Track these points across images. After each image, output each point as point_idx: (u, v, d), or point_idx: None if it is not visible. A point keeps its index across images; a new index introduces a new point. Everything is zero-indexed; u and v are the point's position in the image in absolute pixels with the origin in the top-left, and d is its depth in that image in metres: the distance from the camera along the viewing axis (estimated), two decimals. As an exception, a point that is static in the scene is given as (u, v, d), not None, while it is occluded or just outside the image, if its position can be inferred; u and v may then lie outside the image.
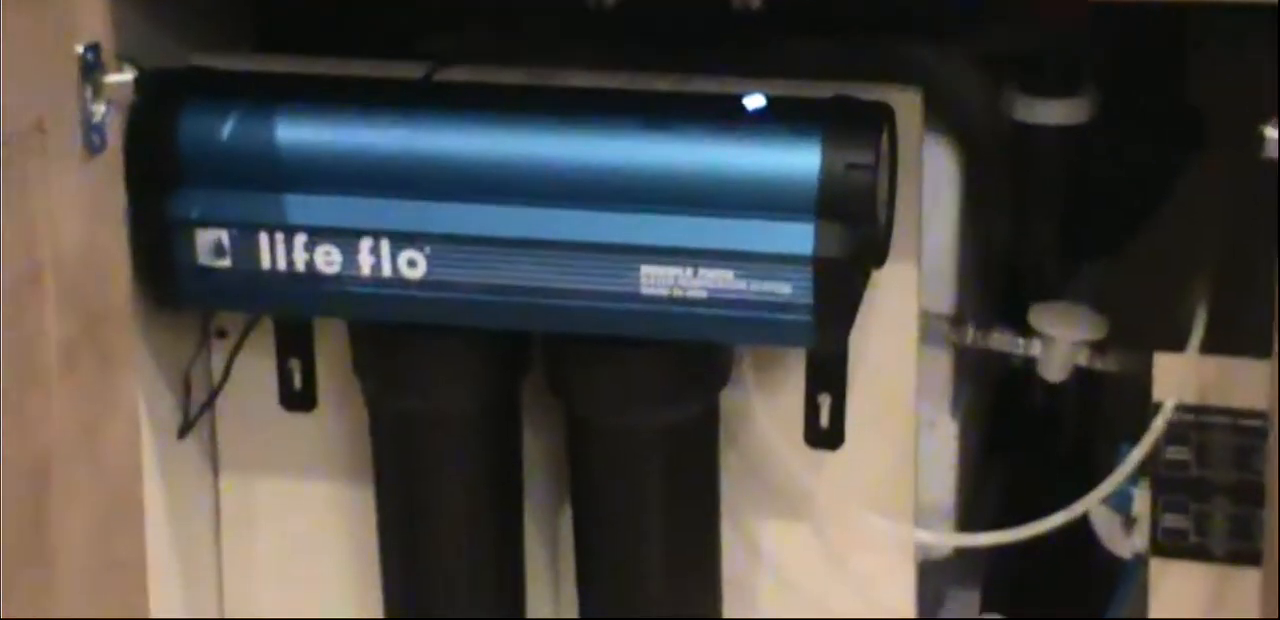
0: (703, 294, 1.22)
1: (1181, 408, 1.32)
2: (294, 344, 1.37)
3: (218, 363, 1.38)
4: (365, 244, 1.24)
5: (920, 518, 1.36)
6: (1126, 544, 1.36)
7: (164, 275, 1.27)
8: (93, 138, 1.16)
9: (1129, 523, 1.36)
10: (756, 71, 1.29)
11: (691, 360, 1.28)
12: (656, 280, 1.22)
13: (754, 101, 1.24)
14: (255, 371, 1.37)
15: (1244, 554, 1.31)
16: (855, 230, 1.21)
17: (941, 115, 1.34)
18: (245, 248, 1.26)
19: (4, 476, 1.11)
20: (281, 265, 1.26)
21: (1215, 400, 1.31)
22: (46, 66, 1.13)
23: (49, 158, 1.13)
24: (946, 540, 1.38)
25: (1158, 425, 1.32)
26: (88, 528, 1.18)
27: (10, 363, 1.12)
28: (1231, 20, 1.15)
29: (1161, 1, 1.19)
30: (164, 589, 1.34)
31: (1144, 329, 1.37)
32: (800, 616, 1.37)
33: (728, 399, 1.33)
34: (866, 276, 1.28)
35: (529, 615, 1.38)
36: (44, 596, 1.15)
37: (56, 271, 1.14)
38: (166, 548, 1.36)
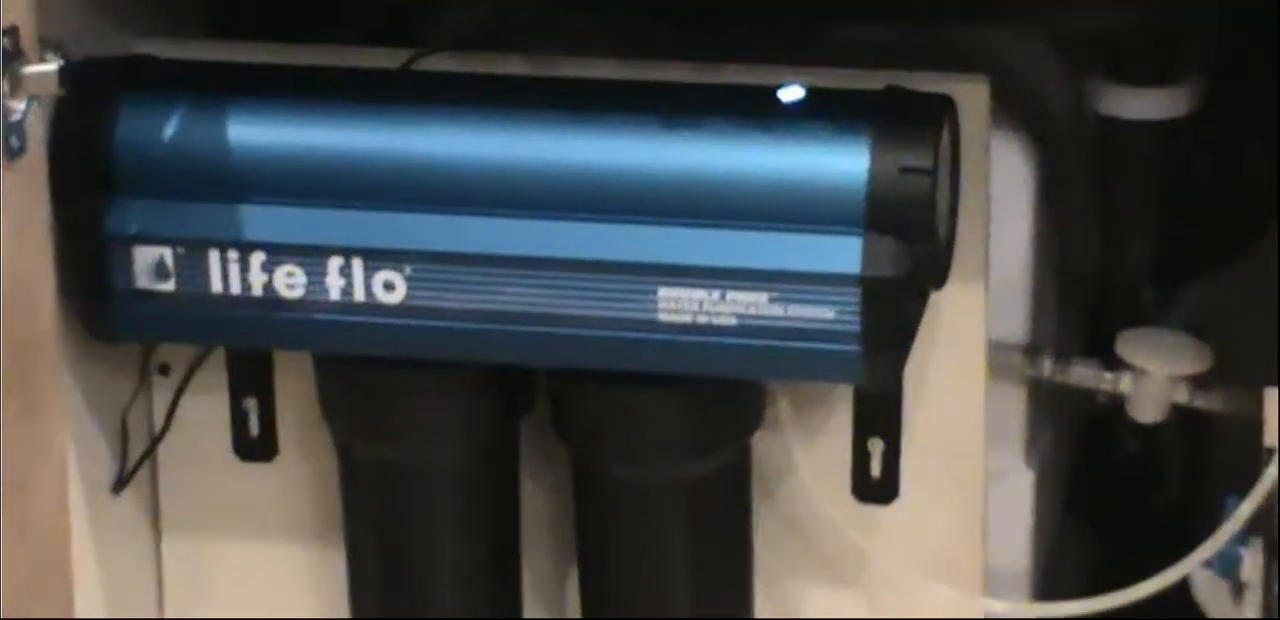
0: (731, 321, 1.23)
1: (1299, 454, 1.34)
2: (250, 382, 1.37)
3: (160, 404, 1.38)
4: (334, 263, 1.25)
5: (990, 584, 1.37)
6: (1235, 612, 1.37)
7: (96, 301, 1.27)
8: (10, 139, 1.14)
9: (1238, 589, 1.37)
10: (794, 58, 1.29)
11: (718, 400, 1.29)
12: (677, 305, 1.23)
13: (791, 94, 1.25)
14: (204, 414, 1.38)
15: (1375, 626, 1.33)
16: (910, 245, 1.21)
17: (1013, 109, 1.35)
18: (192, 268, 1.26)
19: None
20: (235, 288, 1.26)
21: (1338, 445, 1.33)
22: (-44, 55, 1.14)
23: (-42, 163, 1.14)
24: (1021, 611, 1.39)
25: (1270, 474, 1.32)
26: (13, 591, 1.17)
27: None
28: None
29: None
30: (97, 669, 1.35)
31: (1253, 361, 1.37)
32: (848, 701, 1.38)
33: (762, 445, 1.33)
34: (924, 299, 1.28)
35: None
36: (-35, 667, 1.16)
37: (-32, 297, 1.15)
38: (101, 616, 1.36)
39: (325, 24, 1.39)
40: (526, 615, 1.38)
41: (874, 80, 1.26)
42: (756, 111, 1.23)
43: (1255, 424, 1.33)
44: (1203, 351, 1.39)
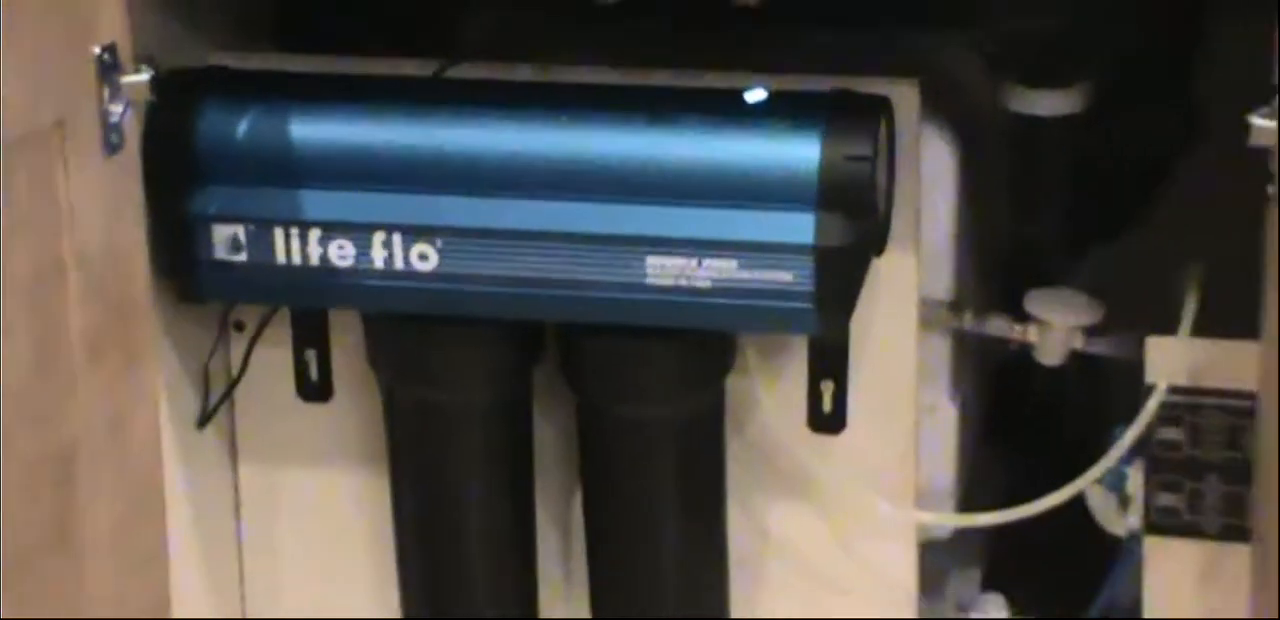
0: (707, 283, 1.23)
1: (1174, 389, 1.33)
2: (310, 335, 1.37)
3: (236, 354, 1.38)
4: (378, 237, 1.25)
5: (922, 500, 1.37)
6: (1122, 522, 1.36)
7: (183, 270, 1.28)
8: (111, 137, 1.15)
9: (1124, 502, 1.36)
10: (757, 65, 1.29)
11: (697, 348, 1.29)
12: (662, 270, 1.23)
13: (755, 95, 1.25)
14: (272, 363, 1.37)
15: (1235, 531, 1.31)
16: (855, 220, 1.22)
17: (939, 107, 1.34)
18: (261, 242, 1.26)
19: (32, 467, 1.12)
20: (297, 259, 1.26)
21: (1206, 382, 1.32)
22: (65, 67, 1.13)
23: (69, 155, 1.12)
24: (947, 521, 1.39)
25: (1151, 407, 1.33)
26: (112, 517, 1.18)
27: (35, 356, 1.12)
28: (1227, 12, 1.16)
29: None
30: (186, 575, 1.34)
31: (1137, 313, 1.37)
32: (805, 596, 1.37)
33: (733, 386, 1.33)
34: (866, 265, 1.28)
35: (540, 598, 1.39)
36: (71, 584, 1.15)
37: (79, 267, 1.14)
38: (188, 535, 1.36)
39: (369, 38, 1.39)
40: (538, 523, 1.38)
41: (824, 83, 1.26)
42: (727, 110, 1.23)
43: (1139, 365, 1.33)
44: (1096, 306, 1.39)
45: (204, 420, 1.37)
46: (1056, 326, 1.39)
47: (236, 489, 1.42)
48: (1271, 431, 1.13)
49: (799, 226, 1.21)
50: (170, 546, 1.25)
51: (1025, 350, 1.41)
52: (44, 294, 1.12)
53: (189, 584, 1.35)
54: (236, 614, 1.43)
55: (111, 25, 1.15)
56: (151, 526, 1.23)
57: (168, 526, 1.24)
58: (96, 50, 1.14)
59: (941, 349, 1.39)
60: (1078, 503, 1.36)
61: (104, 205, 1.16)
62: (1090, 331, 1.39)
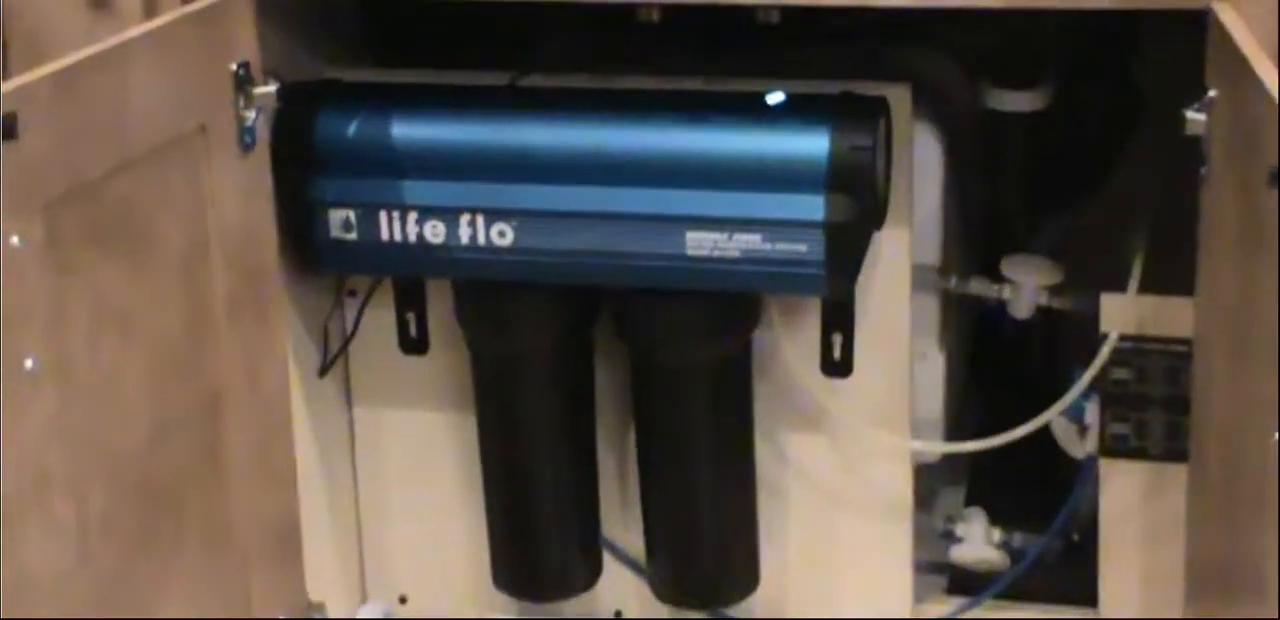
0: (737, 254, 1.23)
1: (1123, 337, 1.33)
2: (410, 300, 1.37)
3: (349, 316, 1.39)
4: (465, 219, 1.25)
5: (915, 430, 1.37)
6: (1081, 447, 1.37)
7: (305, 246, 1.29)
8: (245, 138, 1.17)
9: (1083, 430, 1.36)
10: (776, 73, 1.29)
11: (729, 307, 1.29)
12: (700, 243, 1.23)
13: (775, 97, 1.25)
14: (379, 322, 1.38)
15: (1175, 453, 1.32)
16: (859, 200, 1.22)
17: (927, 106, 1.34)
18: (369, 223, 1.27)
19: (186, 407, 1.14)
20: (398, 237, 1.26)
21: (1151, 331, 1.32)
22: (208, 81, 1.14)
23: (211, 153, 1.14)
24: (937, 448, 1.39)
25: (1104, 352, 1.33)
26: (250, 445, 1.20)
27: (186, 317, 1.14)
28: (1167, 25, 1.16)
29: (1110, 9, 1.18)
30: (311, 495, 1.35)
31: (1093, 274, 1.37)
32: (819, 509, 1.37)
33: (758, 338, 1.33)
34: (868, 237, 1.28)
35: (601, 515, 1.39)
36: (220, 495, 1.17)
37: (221, 244, 1.16)
38: (313, 463, 1.37)
39: (454, 53, 1.38)
40: (599, 453, 1.38)
41: (832, 87, 1.26)
42: (752, 110, 1.24)
43: (1094, 318, 1.33)
44: (1058, 269, 1.39)
45: (324, 370, 1.37)
46: (1026, 286, 1.39)
47: (351, 426, 1.42)
48: (1204, 372, 1.14)
49: (812, 206, 1.21)
50: (298, 472, 1.26)
51: (1000, 306, 1.41)
52: (193, 266, 1.14)
53: (314, 502, 1.36)
54: (352, 527, 1.43)
55: (245, 47, 1.17)
56: (282, 455, 1.25)
57: (295, 456, 1.26)
58: (233, 67, 1.16)
59: (931, 306, 1.39)
60: (1044, 432, 1.36)
61: (240, 194, 1.17)
62: (1054, 290, 1.39)
